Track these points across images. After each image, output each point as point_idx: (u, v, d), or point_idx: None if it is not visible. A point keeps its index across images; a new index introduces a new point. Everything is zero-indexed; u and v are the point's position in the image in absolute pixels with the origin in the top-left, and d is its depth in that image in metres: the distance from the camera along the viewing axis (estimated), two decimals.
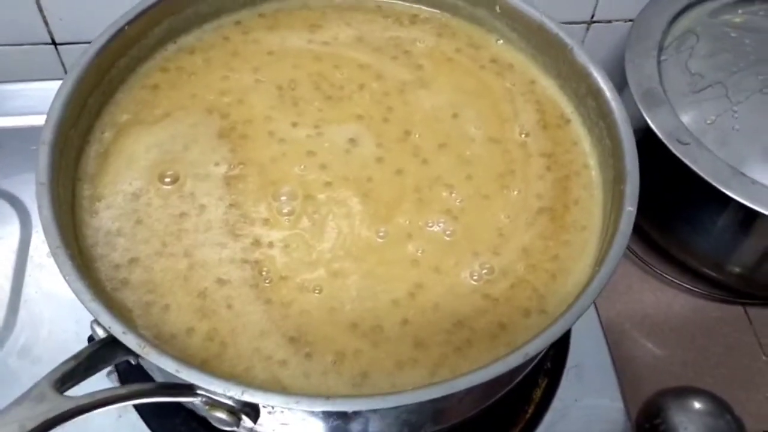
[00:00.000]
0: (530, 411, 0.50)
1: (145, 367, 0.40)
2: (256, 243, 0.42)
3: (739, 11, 0.68)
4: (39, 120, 0.62)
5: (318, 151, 0.45)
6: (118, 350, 0.36)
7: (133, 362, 0.38)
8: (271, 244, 0.42)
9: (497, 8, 0.50)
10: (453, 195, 0.44)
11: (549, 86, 0.50)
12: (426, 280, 0.41)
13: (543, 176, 0.46)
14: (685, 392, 0.63)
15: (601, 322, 0.57)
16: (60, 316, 0.53)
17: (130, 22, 0.46)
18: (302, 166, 0.45)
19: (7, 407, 0.31)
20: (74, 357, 0.34)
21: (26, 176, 0.60)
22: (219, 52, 0.50)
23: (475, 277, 0.42)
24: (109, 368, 0.39)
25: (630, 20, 0.73)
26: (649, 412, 0.61)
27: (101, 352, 0.35)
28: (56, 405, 0.31)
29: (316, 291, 0.40)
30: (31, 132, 0.62)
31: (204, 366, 0.38)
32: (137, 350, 0.34)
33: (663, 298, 0.71)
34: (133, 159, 0.44)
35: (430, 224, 0.43)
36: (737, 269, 0.65)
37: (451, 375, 0.38)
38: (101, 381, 0.40)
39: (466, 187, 0.45)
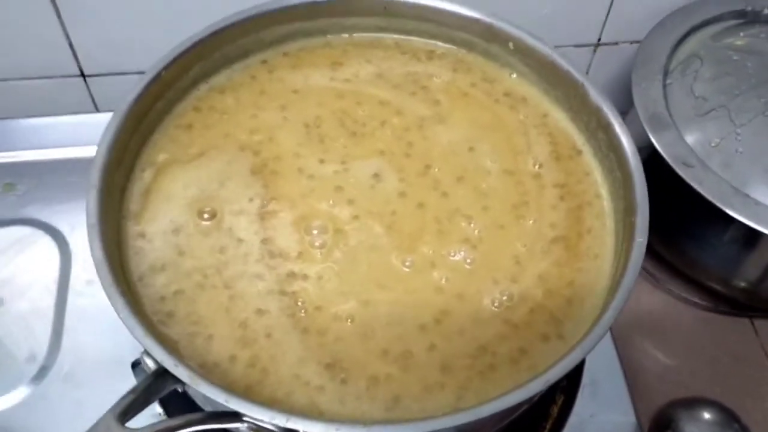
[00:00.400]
0: (548, 427, 0.53)
1: (191, 394, 0.43)
2: (292, 275, 0.45)
3: (741, 34, 0.71)
4: (73, 153, 0.67)
5: (345, 186, 0.48)
6: (170, 381, 0.38)
7: (180, 390, 0.41)
8: (305, 277, 0.44)
9: (510, 45, 0.53)
10: (471, 225, 0.47)
11: (561, 119, 0.53)
12: (450, 306, 0.44)
13: (556, 206, 0.48)
14: (695, 403, 0.65)
15: (613, 339, 0.60)
16: (101, 341, 0.56)
17: (167, 67, 0.49)
18: (330, 201, 0.47)
19: None
20: (132, 390, 0.37)
21: (63, 207, 0.64)
22: (247, 91, 0.53)
23: (496, 304, 0.44)
24: None
25: (636, 41, 0.76)
26: (660, 424, 0.63)
27: (155, 384, 0.38)
28: None
29: (349, 320, 0.43)
30: (66, 164, 0.66)
31: (248, 392, 0.41)
32: (188, 382, 0.37)
33: (672, 311, 0.73)
34: (172, 197, 0.47)
35: (452, 254, 0.46)
36: (742, 284, 0.67)
37: (476, 399, 0.41)
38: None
39: (484, 218, 0.48)
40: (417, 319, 0.44)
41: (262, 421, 0.37)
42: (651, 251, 0.72)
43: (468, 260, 0.46)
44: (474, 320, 0.44)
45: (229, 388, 0.40)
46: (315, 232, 0.46)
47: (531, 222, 0.48)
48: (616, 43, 0.78)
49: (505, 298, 0.45)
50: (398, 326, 0.43)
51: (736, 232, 0.62)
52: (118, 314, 0.39)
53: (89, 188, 0.43)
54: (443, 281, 0.45)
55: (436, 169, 0.50)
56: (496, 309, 0.44)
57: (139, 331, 0.38)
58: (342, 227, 0.46)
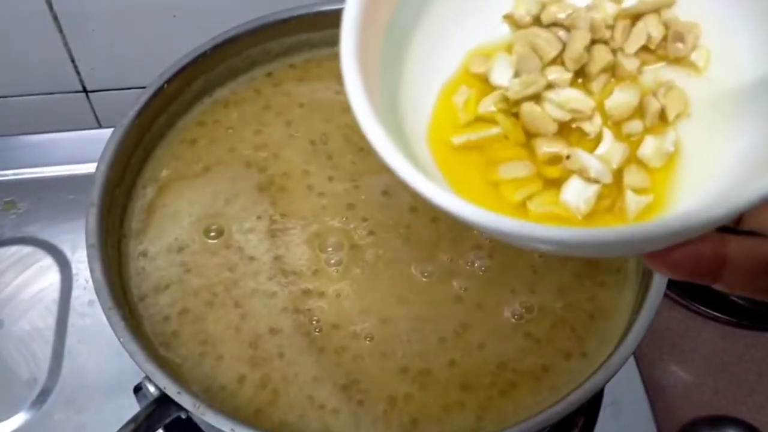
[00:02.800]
0: None
1: (195, 420, 0.41)
2: (307, 292, 0.43)
3: None
4: (75, 169, 0.66)
5: (357, 203, 0.46)
6: (173, 408, 0.37)
7: (183, 417, 0.39)
8: (322, 294, 0.43)
9: None
10: (483, 235, 0.45)
11: None
12: (470, 318, 0.42)
13: None
14: (718, 421, 0.63)
15: (635, 357, 0.58)
16: (103, 363, 0.55)
17: (169, 81, 0.47)
18: (344, 218, 0.46)
19: None
20: (133, 419, 0.35)
21: (65, 226, 0.62)
22: (252, 105, 0.51)
23: (516, 316, 0.43)
24: None
25: None
26: None
27: (157, 412, 0.36)
28: None
29: (368, 339, 0.41)
30: (68, 182, 0.65)
31: (258, 415, 0.39)
32: (192, 409, 0.35)
33: (692, 326, 0.71)
34: (177, 214, 0.46)
35: (468, 263, 0.44)
36: None
37: (496, 420, 0.39)
38: None
39: None
40: (437, 333, 0.42)
41: None
42: None
43: (483, 268, 0.44)
44: (494, 333, 0.42)
45: (237, 413, 0.38)
46: (330, 249, 0.45)
47: None
48: None
49: (524, 310, 0.43)
50: (418, 342, 0.41)
51: None
52: (119, 339, 0.37)
53: (89, 206, 0.42)
54: (462, 291, 0.43)
55: None
56: (516, 321, 0.42)
57: (141, 356, 0.37)
58: (358, 243, 0.45)
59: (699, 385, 0.68)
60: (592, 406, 0.52)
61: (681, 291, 0.71)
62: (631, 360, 0.56)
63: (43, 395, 0.54)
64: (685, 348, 0.70)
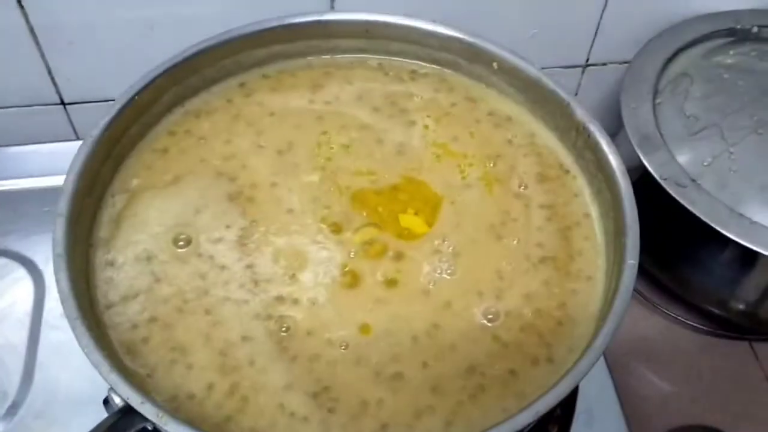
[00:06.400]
0: None
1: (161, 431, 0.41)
2: (280, 300, 0.43)
3: (731, 52, 0.70)
4: (51, 181, 0.65)
5: (328, 216, 0.46)
6: (137, 418, 0.37)
7: (149, 428, 0.38)
8: (295, 301, 0.43)
9: (495, 65, 0.52)
10: (445, 243, 0.46)
11: (548, 138, 0.51)
12: (440, 318, 0.43)
13: (543, 227, 0.47)
14: (695, 430, 0.63)
15: (608, 364, 0.58)
16: (75, 377, 0.54)
17: (139, 92, 0.47)
18: (316, 228, 0.46)
19: None
20: (96, 429, 0.35)
21: (38, 238, 0.62)
22: (222, 115, 0.51)
23: (488, 317, 0.43)
24: None
25: (625, 62, 0.75)
26: None
27: (121, 423, 0.36)
28: None
29: (343, 347, 0.41)
30: (43, 194, 0.64)
31: (227, 422, 0.39)
32: (155, 420, 0.35)
33: (669, 335, 0.71)
34: (146, 223, 0.46)
35: (436, 268, 0.45)
36: (741, 306, 0.65)
37: (464, 426, 0.39)
38: None
39: (457, 235, 0.46)
40: (410, 332, 0.42)
41: None
42: (646, 274, 0.71)
43: (448, 271, 0.44)
44: (464, 335, 0.42)
45: (204, 422, 0.38)
46: (297, 261, 0.44)
47: (515, 242, 0.46)
48: (604, 64, 0.77)
49: (491, 315, 0.43)
50: (393, 345, 0.42)
51: (732, 253, 0.60)
52: (83, 349, 0.37)
53: (57, 216, 0.41)
54: (431, 285, 0.44)
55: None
56: (486, 323, 0.43)
57: (105, 366, 0.36)
58: (332, 253, 0.45)
59: (675, 393, 0.68)
60: (565, 415, 0.52)
61: (659, 299, 0.72)
62: (605, 368, 0.56)
63: (13, 408, 0.53)
64: (661, 357, 0.70)
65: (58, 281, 0.39)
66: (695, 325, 0.71)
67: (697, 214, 0.58)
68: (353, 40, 0.55)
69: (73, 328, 0.37)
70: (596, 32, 0.74)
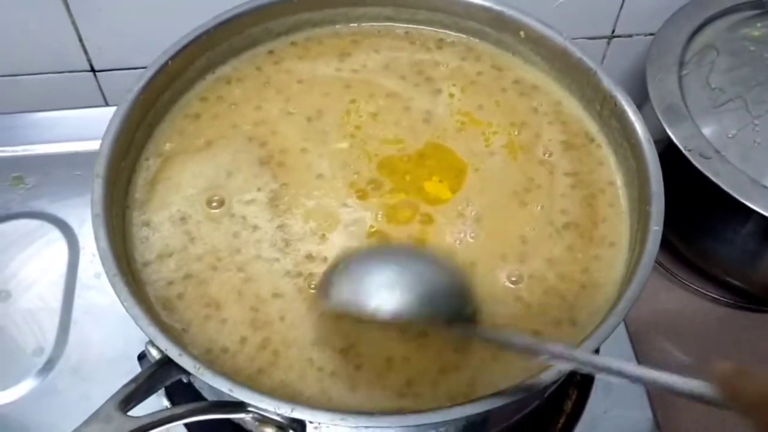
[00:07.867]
0: (561, 422, 0.52)
1: (196, 385, 0.43)
2: (310, 258, 0.44)
3: (758, 24, 0.69)
4: (82, 146, 0.67)
5: (357, 181, 0.47)
6: (174, 370, 0.38)
7: (185, 380, 0.40)
8: (325, 259, 0.44)
9: (522, 33, 0.52)
10: (469, 207, 0.47)
11: (573, 107, 0.51)
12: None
13: (567, 194, 0.47)
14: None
15: (629, 332, 0.58)
16: (109, 335, 0.56)
17: (172, 58, 0.48)
18: (345, 192, 0.47)
19: (78, 428, 0.33)
20: (134, 379, 0.36)
21: (72, 201, 0.63)
22: (252, 82, 0.52)
23: (513, 279, 0.44)
24: None
25: (650, 34, 0.75)
26: None
27: (158, 374, 0.38)
28: (123, 425, 0.34)
29: None
30: (75, 158, 0.66)
31: (259, 374, 0.40)
32: (193, 371, 0.36)
33: (689, 306, 0.72)
34: (180, 185, 0.47)
35: (458, 230, 0.46)
36: (762, 278, 0.66)
37: (488, 384, 0.40)
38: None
39: (480, 200, 0.47)
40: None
41: (266, 411, 0.36)
42: (668, 246, 0.71)
43: (472, 235, 0.45)
44: (489, 295, 0.43)
45: (237, 374, 0.40)
46: (327, 222, 0.45)
47: (538, 208, 0.47)
48: (630, 36, 0.77)
49: (514, 278, 0.44)
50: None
51: (754, 225, 0.60)
52: (122, 303, 0.38)
53: (94, 177, 0.43)
54: (456, 246, 0.45)
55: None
56: (510, 285, 0.44)
57: (144, 320, 0.38)
58: (360, 215, 0.46)
59: (696, 365, 0.69)
60: (584, 381, 0.53)
61: (681, 271, 0.72)
62: (625, 336, 0.57)
63: (50, 364, 0.55)
64: (682, 329, 0.71)
65: (97, 240, 0.40)
66: (716, 297, 0.71)
67: (721, 185, 0.58)
68: (380, 8, 0.55)
69: (113, 285, 0.39)
70: (622, 3, 0.73)
